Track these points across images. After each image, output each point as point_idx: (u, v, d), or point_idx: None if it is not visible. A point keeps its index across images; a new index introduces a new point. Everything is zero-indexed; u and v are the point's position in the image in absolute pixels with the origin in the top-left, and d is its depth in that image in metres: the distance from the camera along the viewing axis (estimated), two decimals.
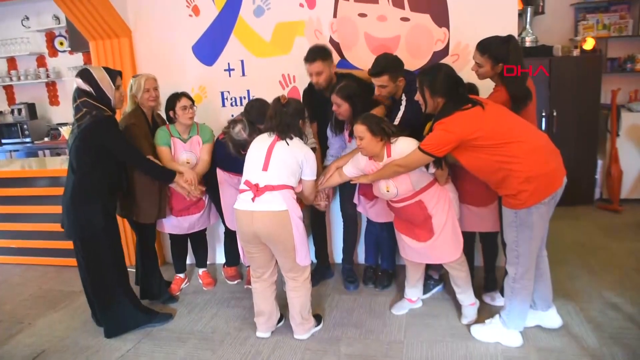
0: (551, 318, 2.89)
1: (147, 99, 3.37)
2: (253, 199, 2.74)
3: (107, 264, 3.05)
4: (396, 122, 2.96)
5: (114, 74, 2.98)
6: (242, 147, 3.10)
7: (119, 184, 3.12)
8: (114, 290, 3.11)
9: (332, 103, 3.12)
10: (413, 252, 3.00)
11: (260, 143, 2.85)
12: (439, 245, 2.88)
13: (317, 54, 3.24)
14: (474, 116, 2.49)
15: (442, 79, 2.57)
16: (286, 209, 2.74)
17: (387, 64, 2.97)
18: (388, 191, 2.81)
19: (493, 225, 3.12)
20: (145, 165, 3.17)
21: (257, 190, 2.74)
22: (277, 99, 2.87)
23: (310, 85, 3.43)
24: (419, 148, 2.58)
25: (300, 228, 2.79)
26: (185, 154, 3.44)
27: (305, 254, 2.86)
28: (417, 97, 2.67)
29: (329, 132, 3.39)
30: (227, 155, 3.28)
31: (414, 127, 2.86)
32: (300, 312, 2.97)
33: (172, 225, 3.62)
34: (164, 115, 3.55)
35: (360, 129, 2.73)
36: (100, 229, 2.96)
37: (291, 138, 2.81)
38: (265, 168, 2.77)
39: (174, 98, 3.39)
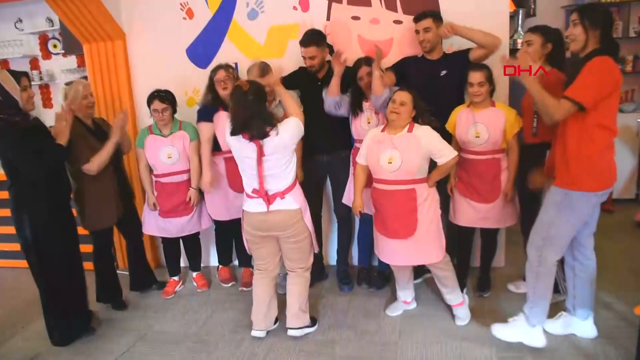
0: (587, 327, 2.82)
1: (86, 105, 3.26)
2: (268, 208, 2.79)
3: (37, 277, 3.07)
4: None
5: (19, 75, 2.87)
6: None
7: (54, 191, 3.00)
8: (45, 302, 3.11)
9: (360, 76, 3.22)
10: (396, 254, 2.96)
11: (243, 153, 2.76)
12: (423, 242, 2.87)
13: (312, 39, 3.29)
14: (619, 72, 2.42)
15: (604, 13, 2.54)
16: (299, 207, 2.85)
17: (431, 11, 3.26)
18: (391, 163, 2.81)
19: (495, 222, 3.16)
20: (37, 172, 2.89)
21: (268, 199, 2.79)
22: (239, 87, 2.71)
23: (302, 67, 3.46)
24: (564, 96, 2.40)
25: (310, 221, 2.94)
26: (166, 149, 3.45)
27: (315, 242, 3.04)
28: (569, 31, 2.50)
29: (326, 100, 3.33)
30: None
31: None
32: (299, 300, 3.01)
33: (159, 227, 3.60)
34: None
35: (406, 96, 2.81)
36: (31, 241, 2.94)
37: (268, 135, 2.68)
38: (264, 184, 2.77)
39: (149, 98, 3.42)
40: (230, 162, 3.44)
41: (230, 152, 3.30)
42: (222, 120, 3.28)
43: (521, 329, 2.75)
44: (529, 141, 3.06)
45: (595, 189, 2.49)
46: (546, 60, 2.94)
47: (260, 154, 2.72)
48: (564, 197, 2.52)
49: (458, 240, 3.44)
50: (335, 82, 3.23)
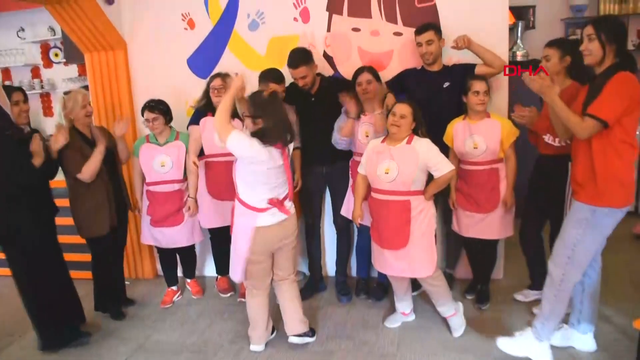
0: (587, 341, 2.81)
1: (84, 115, 3.26)
2: (287, 213, 2.83)
3: (18, 279, 3.11)
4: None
5: (11, 90, 2.94)
6: None
7: (32, 201, 3.03)
8: (32, 311, 3.13)
9: (359, 81, 3.21)
10: (388, 265, 2.97)
11: (274, 163, 2.72)
12: (413, 255, 2.87)
13: (299, 60, 3.28)
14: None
15: (620, 26, 2.44)
16: (294, 211, 2.96)
17: (432, 23, 3.30)
18: (387, 173, 2.83)
19: (496, 232, 3.18)
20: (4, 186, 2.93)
21: (281, 204, 2.81)
22: (276, 96, 2.80)
23: (294, 82, 3.46)
24: (587, 114, 2.36)
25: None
26: (161, 157, 3.48)
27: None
28: (585, 46, 2.44)
29: (335, 136, 3.32)
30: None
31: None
32: (300, 305, 3.06)
33: (152, 236, 3.63)
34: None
35: (406, 109, 2.83)
36: (12, 240, 3.00)
37: (290, 141, 2.83)
38: (284, 185, 2.84)
39: (142, 109, 3.46)
40: (211, 167, 3.51)
41: (213, 156, 3.46)
42: (208, 125, 3.37)
43: (529, 344, 2.72)
44: (545, 152, 3.07)
45: (622, 204, 2.46)
46: (566, 73, 2.93)
47: (286, 158, 2.80)
48: (591, 214, 2.47)
49: (465, 251, 3.49)
50: (350, 124, 3.21)
